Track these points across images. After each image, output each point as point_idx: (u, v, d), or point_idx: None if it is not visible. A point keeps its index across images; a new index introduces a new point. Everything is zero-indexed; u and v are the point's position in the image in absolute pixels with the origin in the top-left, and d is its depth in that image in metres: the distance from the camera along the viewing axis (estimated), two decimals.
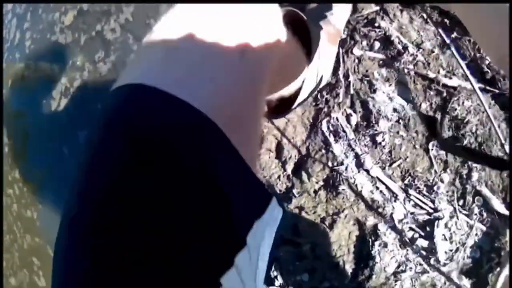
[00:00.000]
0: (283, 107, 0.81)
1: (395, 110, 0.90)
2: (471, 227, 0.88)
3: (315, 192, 0.94)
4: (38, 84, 1.34)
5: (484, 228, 0.88)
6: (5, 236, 1.50)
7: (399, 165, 0.90)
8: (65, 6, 1.25)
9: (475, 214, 0.88)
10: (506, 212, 0.87)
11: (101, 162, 0.31)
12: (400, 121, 0.90)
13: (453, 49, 0.89)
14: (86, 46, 1.20)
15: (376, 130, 0.90)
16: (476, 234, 0.88)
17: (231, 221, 0.33)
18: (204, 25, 0.37)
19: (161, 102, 0.32)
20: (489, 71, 0.88)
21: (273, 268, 0.95)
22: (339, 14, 0.89)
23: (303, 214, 0.94)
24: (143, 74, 0.34)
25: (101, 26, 1.18)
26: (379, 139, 0.90)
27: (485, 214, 0.88)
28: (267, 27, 0.42)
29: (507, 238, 0.87)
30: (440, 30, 0.90)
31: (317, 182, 0.94)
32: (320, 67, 0.83)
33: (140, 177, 0.29)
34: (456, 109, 0.88)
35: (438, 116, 0.89)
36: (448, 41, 0.88)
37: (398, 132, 0.90)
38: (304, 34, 0.71)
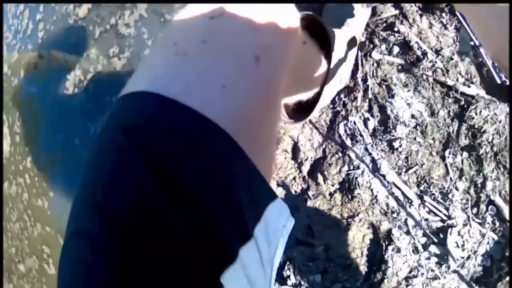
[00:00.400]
0: (301, 111, 0.79)
1: (413, 116, 0.89)
2: (483, 235, 0.88)
3: (331, 194, 0.93)
4: (51, 74, 1.33)
5: (496, 237, 0.88)
6: (15, 224, 1.51)
7: (415, 172, 0.89)
8: None
9: (488, 223, 0.88)
10: None
11: (117, 179, 0.30)
12: (418, 127, 0.89)
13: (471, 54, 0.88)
14: (101, 39, 1.19)
15: (393, 135, 0.89)
16: (488, 243, 0.88)
17: (246, 237, 0.32)
18: (216, 27, 0.35)
19: (170, 111, 0.31)
20: (506, 80, 0.87)
21: (286, 268, 0.95)
22: (358, 17, 0.87)
23: (318, 216, 0.93)
24: (152, 81, 0.33)
25: (116, 20, 1.16)
26: (396, 144, 0.89)
27: (497, 223, 0.87)
28: (284, 30, 0.40)
29: None
30: (459, 36, 0.88)
31: (332, 185, 0.93)
32: (339, 71, 0.81)
33: (149, 187, 0.29)
34: (473, 118, 0.87)
35: (456, 124, 0.88)
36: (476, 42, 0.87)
37: (415, 138, 0.89)
38: (322, 38, 0.69)
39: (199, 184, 0.30)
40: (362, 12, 0.88)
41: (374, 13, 0.91)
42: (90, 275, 0.28)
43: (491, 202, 0.88)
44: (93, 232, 0.29)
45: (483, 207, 0.88)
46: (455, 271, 0.88)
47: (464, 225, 0.88)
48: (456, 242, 0.88)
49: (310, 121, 0.96)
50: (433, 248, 0.89)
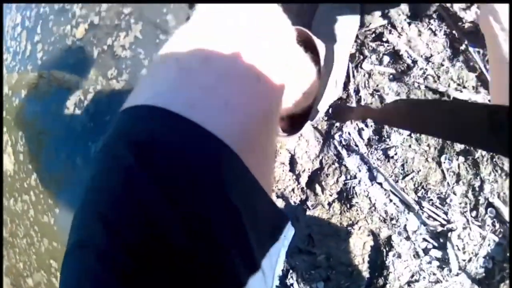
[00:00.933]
0: (295, 124, 0.82)
1: None
2: (484, 237, 0.89)
3: (329, 204, 0.95)
4: (52, 94, 1.36)
5: (496, 239, 0.89)
6: (22, 240, 1.56)
7: (411, 178, 0.91)
8: (76, 19, 1.26)
9: (488, 225, 0.89)
10: None
11: (122, 193, 0.31)
12: (412, 135, 0.90)
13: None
14: (99, 60, 1.21)
15: (388, 144, 0.90)
16: (489, 245, 0.89)
17: (246, 246, 0.33)
18: (218, 45, 0.36)
19: (175, 126, 0.32)
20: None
21: (289, 276, 0.96)
22: (347, 29, 0.89)
23: (318, 225, 0.95)
24: (156, 96, 0.33)
25: (112, 41, 1.19)
26: (391, 153, 0.91)
27: (497, 225, 0.88)
28: (283, 49, 0.42)
29: None
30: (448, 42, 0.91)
31: (331, 195, 0.94)
32: (331, 83, 0.85)
33: (157, 202, 0.30)
34: None
35: None
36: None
37: (410, 146, 0.90)
38: (313, 51, 0.72)
39: (203, 199, 0.31)
40: (350, 24, 0.89)
41: (362, 24, 0.92)
42: (97, 284, 0.28)
43: (490, 205, 0.89)
44: (99, 242, 0.29)
45: (482, 209, 0.89)
46: (457, 274, 0.89)
47: (464, 228, 0.89)
48: (457, 246, 0.89)
49: (314, 128, 0.98)
50: (434, 252, 0.91)
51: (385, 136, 0.91)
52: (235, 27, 0.38)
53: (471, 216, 0.90)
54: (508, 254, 0.89)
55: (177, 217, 0.30)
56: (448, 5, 0.89)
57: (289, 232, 0.40)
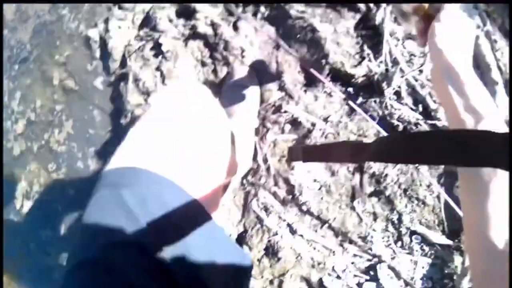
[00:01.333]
0: None
1: (315, 180, 1.00)
2: (415, 262, 0.97)
3: (259, 260, 1.04)
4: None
5: (429, 261, 0.97)
6: None
7: (329, 226, 1.00)
8: (15, 115, 1.38)
9: (416, 251, 0.97)
10: (448, 242, 0.96)
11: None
12: (322, 188, 1.00)
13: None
14: (39, 155, 1.33)
15: (301, 200, 1.00)
16: (423, 267, 0.97)
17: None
18: (175, 142, 0.51)
19: (159, 182, 0.45)
20: (400, 124, 1.00)
21: None
22: (249, 108, 1.00)
23: (252, 279, 1.04)
24: (140, 160, 0.47)
25: (48, 136, 1.30)
26: (305, 207, 1.01)
27: (426, 249, 0.97)
28: (223, 137, 0.58)
29: (456, 264, 0.96)
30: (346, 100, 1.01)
31: (259, 252, 1.04)
32: (242, 157, 0.98)
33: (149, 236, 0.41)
34: (371, 167, 0.98)
35: (357, 176, 1.00)
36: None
37: (322, 198, 1.00)
38: None
39: (184, 235, 0.44)
40: (251, 102, 1.01)
41: (262, 100, 1.03)
42: None
43: (413, 233, 0.97)
44: (106, 256, 0.40)
45: (406, 238, 0.97)
46: None
47: (392, 258, 0.97)
48: (389, 275, 0.97)
49: (227, 203, 1.10)
50: (368, 285, 0.99)
51: (297, 194, 1.01)
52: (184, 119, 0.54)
53: (397, 246, 0.98)
54: (446, 271, 0.96)
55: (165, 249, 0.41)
56: (340, 66, 1.01)
57: (246, 261, 0.54)
